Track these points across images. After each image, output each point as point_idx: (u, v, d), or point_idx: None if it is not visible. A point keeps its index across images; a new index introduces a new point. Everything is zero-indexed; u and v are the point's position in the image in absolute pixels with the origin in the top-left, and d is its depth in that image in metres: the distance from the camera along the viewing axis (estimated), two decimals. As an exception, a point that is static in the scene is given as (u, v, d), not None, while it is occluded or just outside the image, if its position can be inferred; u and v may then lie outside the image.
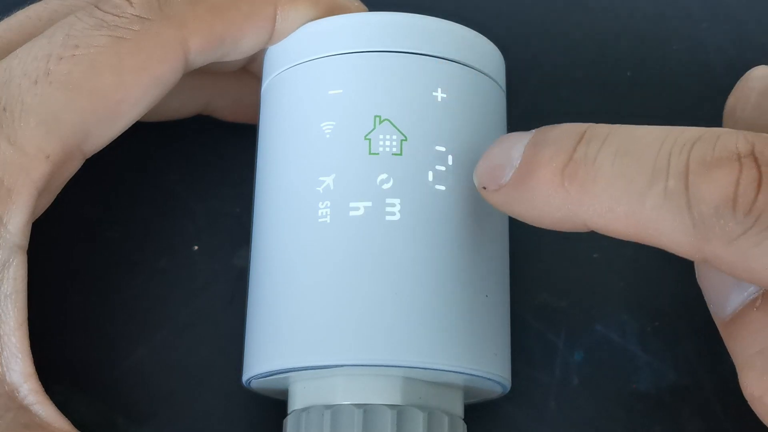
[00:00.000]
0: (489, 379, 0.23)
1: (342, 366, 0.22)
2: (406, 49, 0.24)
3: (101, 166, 0.26)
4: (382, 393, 0.22)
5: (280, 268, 0.23)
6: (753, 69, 0.23)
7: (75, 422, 0.23)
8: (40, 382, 0.22)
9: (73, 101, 0.23)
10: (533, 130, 0.22)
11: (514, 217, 0.22)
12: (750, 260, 0.18)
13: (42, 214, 0.24)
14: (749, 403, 0.21)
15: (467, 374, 0.22)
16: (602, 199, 0.20)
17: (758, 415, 0.21)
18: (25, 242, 0.23)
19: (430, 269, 0.22)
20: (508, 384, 0.24)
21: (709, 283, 0.22)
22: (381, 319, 0.22)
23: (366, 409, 0.22)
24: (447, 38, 0.24)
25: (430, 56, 0.24)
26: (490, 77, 0.25)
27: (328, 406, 0.23)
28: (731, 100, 0.23)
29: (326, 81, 0.24)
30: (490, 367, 0.23)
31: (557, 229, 0.21)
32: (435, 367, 0.22)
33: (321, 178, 0.23)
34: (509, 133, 0.22)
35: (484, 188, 0.22)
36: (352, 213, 0.22)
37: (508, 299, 0.24)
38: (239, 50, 0.25)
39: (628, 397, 0.27)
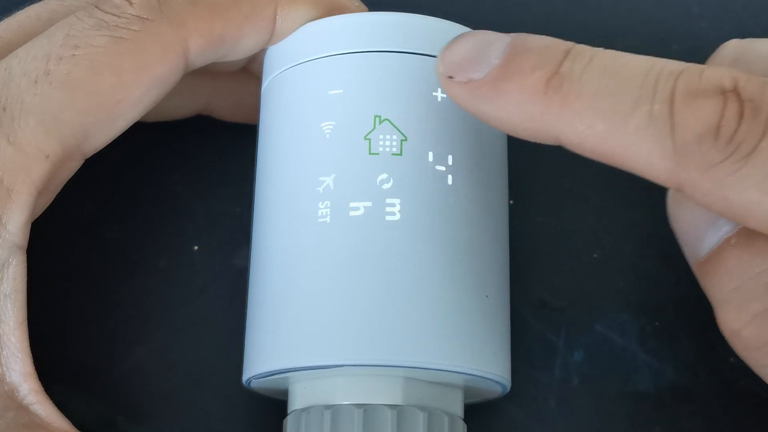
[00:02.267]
0: (489, 379, 0.23)
1: (342, 366, 0.22)
2: (406, 49, 0.24)
3: (101, 166, 0.26)
4: (383, 393, 0.22)
5: (280, 268, 0.23)
6: (726, 42, 0.24)
7: (75, 422, 0.23)
8: (39, 382, 0.22)
9: (72, 101, 0.23)
10: (511, 34, 0.22)
11: (474, 114, 0.22)
12: (725, 188, 0.19)
13: (42, 214, 0.24)
14: (727, 339, 0.21)
15: (467, 374, 0.22)
16: (583, 115, 0.20)
17: (735, 349, 0.21)
18: (25, 242, 0.23)
19: (430, 269, 0.22)
20: (508, 384, 0.24)
21: (684, 224, 0.22)
22: (381, 319, 0.22)
23: (366, 409, 0.22)
24: (447, 38, 0.24)
25: (431, 56, 0.24)
26: (490, 77, 0.25)
27: (328, 406, 0.23)
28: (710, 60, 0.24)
29: (326, 81, 0.24)
30: (490, 367, 0.23)
31: (520, 137, 0.21)
32: (435, 367, 0.22)
33: (321, 178, 0.23)
34: (483, 30, 0.22)
35: (450, 77, 0.22)
36: (352, 213, 0.22)
37: (508, 299, 0.24)
38: (239, 50, 0.25)
39: (628, 397, 0.27)
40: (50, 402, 0.22)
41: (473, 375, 0.22)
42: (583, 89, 0.20)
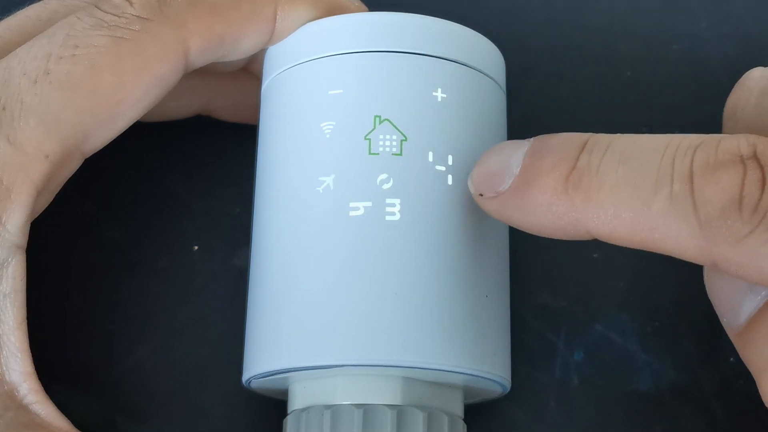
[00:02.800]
0: (489, 379, 0.23)
1: (342, 366, 0.22)
2: (406, 49, 0.24)
3: (101, 166, 0.26)
4: (382, 393, 0.22)
5: (280, 268, 0.23)
6: (751, 70, 0.23)
7: (75, 422, 0.23)
8: (39, 382, 0.22)
9: (72, 101, 0.23)
10: (531, 139, 0.22)
11: (509, 224, 0.22)
12: (758, 259, 0.18)
13: (41, 214, 0.24)
14: None
15: (467, 374, 0.22)
16: (607, 206, 0.20)
17: None
18: (24, 241, 0.23)
19: (430, 269, 0.22)
20: (508, 384, 0.24)
21: (720, 294, 0.22)
22: (381, 319, 0.22)
23: (366, 409, 0.22)
24: (447, 38, 0.24)
25: (431, 56, 0.24)
26: (490, 77, 0.25)
27: (328, 406, 0.23)
28: (731, 101, 0.23)
29: (326, 81, 0.24)
30: (490, 367, 0.23)
31: (556, 237, 0.21)
32: (435, 367, 0.22)
33: (321, 178, 0.23)
34: (505, 141, 0.22)
35: (481, 195, 0.22)
36: (352, 213, 0.22)
37: (508, 299, 0.24)
38: (239, 50, 0.25)
39: (628, 397, 0.27)
40: (50, 402, 0.22)
41: (473, 375, 0.22)
42: (603, 180, 0.20)
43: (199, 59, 0.24)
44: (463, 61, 0.24)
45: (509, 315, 0.24)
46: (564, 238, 0.21)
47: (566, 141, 0.21)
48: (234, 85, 0.29)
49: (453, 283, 0.22)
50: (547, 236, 0.21)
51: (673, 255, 0.20)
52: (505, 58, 0.26)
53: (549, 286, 0.28)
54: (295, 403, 0.24)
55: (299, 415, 0.23)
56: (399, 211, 0.22)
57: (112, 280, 0.28)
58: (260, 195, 0.25)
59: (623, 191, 0.20)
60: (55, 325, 0.27)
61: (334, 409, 0.22)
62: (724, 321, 0.22)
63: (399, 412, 0.22)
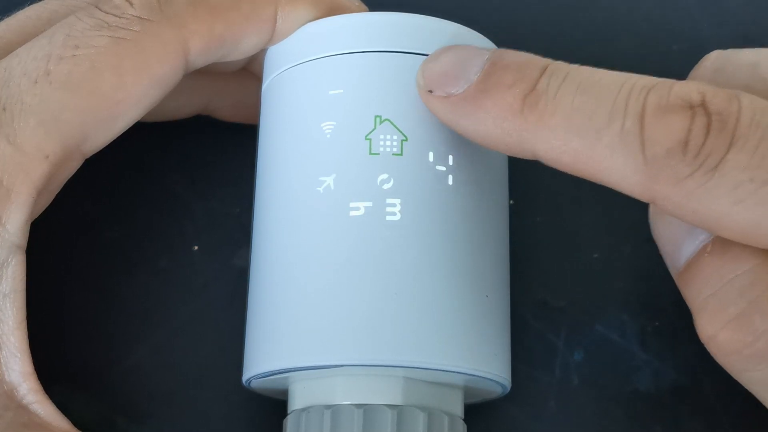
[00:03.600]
0: (489, 379, 0.23)
1: (342, 366, 0.22)
2: (406, 49, 0.24)
3: (101, 166, 0.26)
4: (382, 393, 0.22)
5: (280, 268, 0.23)
6: (709, 53, 0.24)
7: (75, 422, 0.23)
8: (39, 382, 0.22)
9: (72, 101, 0.23)
10: (491, 49, 0.23)
11: (453, 128, 0.23)
12: (695, 201, 0.20)
13: (42, 214, 0.24)
14: (706, 346, 0.21)
15: (467, 374, 0.22)
16: (558, 132, 0.21)
17: (713, 354, 0.21)
18: (24, 242, 0.23)
19: (431, 269, 0.22)
20: (508, 384, 0.24)
21: (663, 236, 0.23)
22: (381, 319, 0.22)
23: (366, 409, 0.22)
24: (447, 38, 0.24)
25: (431, 56, 0.24)
26: (490, 77, 0.25)
27: (328, 406, 0.23)
28: (689, 78, 0.24)
29: (327, 81, 0.24)
30: (490, 367, 0.23)
31: (499, 150, 0.22)
32: (435, 367, 0.22)
33: (321, 178, 0.23)
34: (460, 45, 0.23)
35: (430, 91, 0.22)
36: (352, 213, 0.22)
37: (508, 299, 0.24)
38: (240, 51, 0.25)
39: (628, 397, 0.27)
40: (50, 401, 0.22)
41: (473, 375, 0.22)
42: (558, 107, 0.21)
43: (199, 60, 0.24)
44: (463, 61, 0.24)
45: (509, 315, 0.24)
46: (507, 153, 0.22)
47: (528, 61, 0.22)
48: (234, 85, 0.29)
49: (453, 283, 0.22)
50: (489, 148, 0.22)
51: (612, 186, 0.21)
52: (505, 58, 0.26)
53: (549, 286, 0.28)
54: (295, 403, 0.24)
55: (299, 415, 0.23)
56: (399, 211, 0.22)
57: (112, 280, 0.28)
58: (260, 195, 0.25)
59: (576, 120, 0.20)
60: (55, 325, 0.27)
61: (334, 409, 0.22)
62: (668, 263, 0.23)
63: (399, 412, 0.22)
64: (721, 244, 0.21)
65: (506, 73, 0.22)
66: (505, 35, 0.27)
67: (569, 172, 0.21)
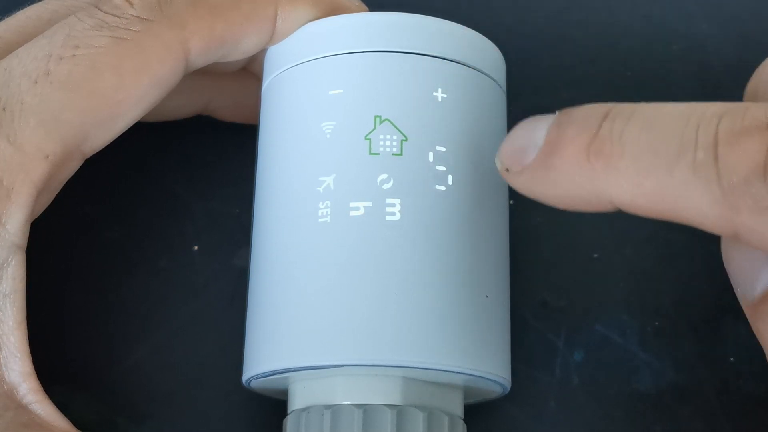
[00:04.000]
0: (489, 379, 0.23)
1: (342, 366, 0.22)
2: (406, 49, 0.24)
3: (101, 166, 0.26)
4: (382, 393, 0.22)
5: (280, 268, 0.23)
6: (765, 61, 0.23)
7: (75, 422, 0.23)
8: (39, 382, 0.22)
9: (73, 101, 0.23)
10: (556, 112, 0.22)
11: (537, 199, 0.22)
12: None
13: (42, 214, 0.24)
14: None
15: (467, 374, 0.22)
16: (629, 174, 0.19)
17: None
18: (24, 242, 0.23)
19: (430, 269, 0.22)
20: (508, 384, 0.24)
21: (737, 264, 0.22)
22: (381, 319, 0.22)
23: (366, 409, 0.22)
24: (447, 38, 0.24)
25: (431, 56, 0.24)
26: (490, 77, 0.25)
27: (328, 406, 0.23)
28: (751, 85, 0.23)
29: (327, 81, 0.24)
30: (490, 367, 0.23)
31: (582, 209, 0.21)
32: (435, 367, 0.22)
33: (321, 178, 0.23)
34: (532, 116, 0.22)
35: (507, 170, 0.22)
36: (352, 213, 0.22)
37: (508, 299, 0.24)
38: (240, 51, 0.25)
39: (628, 397, 0.27)
40: (50, 401, 0.22)
41: (473, 375, 0.22)
42: (625, 148, 0.20)
43: (199, 60, 0.24)
44: (463, 61, 0.24)
45: (509, 315, 0.24)
46: (589, 209, 0.21)
47: (589, 111, 0.21)
48: (234, 85, 0.29)
49: (453, 283, 0.22)
50: (573, 209, 0.21)
51: (694, 225, 0.19)
52: (505, 58, 0.26)
53: (549, 286, 0.28)
54: (295, 403, 0.24)
55: (299, 415, 0.23)
56: (399, 211, 0.22)
57: (112, 280, 0.28)
58: (260, 195, 0.25)
59: (645, 159, 0.19)
60: (55, 325, 0.27)
61: (334, 409, 0.22)
62: (739, 291, 0.22)
63: (399, 412, 0.22)
64: None
65: (569, 128, 0.21)
66: (505, 35, 0.27)
67: (652, 216, 0.20)
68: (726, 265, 0.22)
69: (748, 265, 0.21)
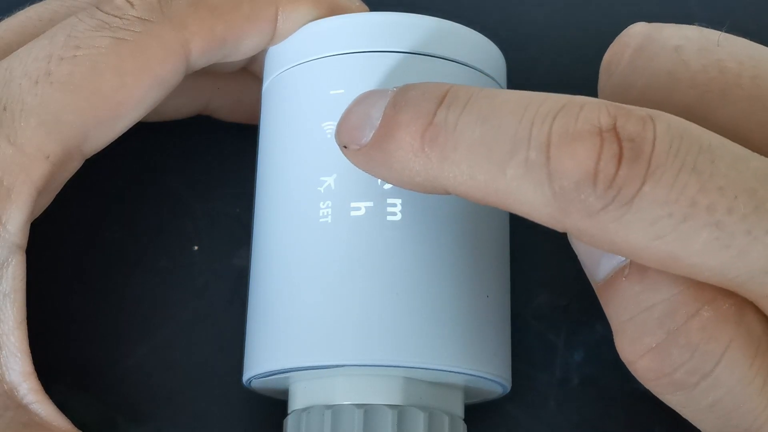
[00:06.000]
0: (489, 379, 0.23)
1: (342, 366, 0.22)
2: (407, 49, 0.24)
3: (101, 166, 0.26)
4: (383, 393, 0.22)
5: (281, 268, 0.23)
6: (632, 25, 0.23)
7: (75, 422, 0.23)
8: (39, 381, 0.22)
9: (73, 102, 0.23)
10: (393, 89, 0.21)
11: (378, 178, 0.22)
12: (611, 234, 0.18)
13: (42, 214, 0.24)
14: (626, 365, 0.20)
15: (467, 374, 0.22)
16: (462, 166, 0.19)
17: (635, 376, 0.20)
18: (24, 242, 0.23)
19: (431, 269, 0.22)
20: (508, 384, 0.24)
21: (580, 248, 0.22)
22: (381, 319, 0.22)
23: (366, 409, 0.22)
24: (448, 38, 0.24)
25: (431, 56, 0.24)
26: (490, 77, 0.25)
27: (328, 406, 0.23)
28: (607, 57, 0.23)
29: (327, 81, 0.24)
30: (490, 367, 0.23)
31: (418, 191, 0.21)
32: (435, 367, 0.22)
33: (322, 178, 0.23)
34: (369, 91, 0.22)
35: (345, 147, 0.21)
36: (353, 213, 0.22)
37: (509, 299, 0.24)
38: (240, 51, 0.25)
39: (628, 397, 0.27)
40: (50, 401, 0.22)
41: (473, 375, 0.22)
42: (459, 140, 0.19)
43: (200, 60, 0.24)
44: (463, 61, 0.24)
45: (509, 315, 0.24)
46: (425, 192, 0.21)
47: (425, 93, 0.20)
48: (235, 85, 0.29)
49: (453, 283, 0.22)
50: (411, 190, 0.21)
51: (528, 218, 0.19)
52: (505, 58, 0.26)
53: (549, 286, 0.28)
54: (296, 403, 0.24)
55: (299, 415, 0.23)
56: (400, 212, 0.22)
57: (112, 280, 0.28)
58: (261, 195, 0.25)
59: (479, 153, 0.19)
60: (55, 325, 0.27)
61: (334, 409, 0.22)
62: (586, 272, 0.22)
63: (399, 412, 0.22)
64: (639, 269, 0.20)
65: (404, 111, 0.20)
66: (505, 35, 0.27)
67: (486, 205, 0.20)
68: (573, 247, 0.22)
69: (590, 251, 0.21)
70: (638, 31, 0.22)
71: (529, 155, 0.19)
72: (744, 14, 0.33)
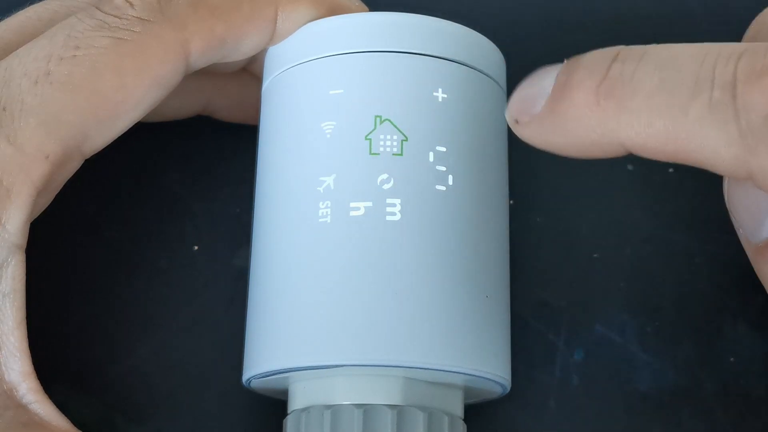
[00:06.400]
0: (489, 379, 0.23)
1: (342, 366, 0.22)
2: (406, 49, 0.24)
3: (101, 166, 0.26)
4: (382, 393, 0.22)
5: (280, 268, 0.23)
6: (763, 12, 0.23)
7: (75, 422, 0.23)
8: (38, 381, 0.22)
9: (73, 102, 0.23)
10: (565, 60, 0.21)
11: (548, 149, 0.21)
12: None
13: (42, 214, 0.24)
14: None
15: (467, 374, 0.22)
16: (641, 113, 0.19)
17: None
18: (24, 242, 0.23)
19: (431, 269, 0.22)
20: (508, 384, 0.24)
21: (742, 206, 0.21)
22: (381, 319, 0.22)
23: (366, 409, 0.22)
24: (447, 38, 0.24)
25: (431, 56, 0.24)
26: (490, 77, 0.25)
27: (328, 406, 0.23)
28: (750, 33, 0.23)
29: (327, 81, 0.24)
30: (490, 367, 0.23)
31: (592, 156, 0.21)
32: (435, 367, 0.22)
33: (322, 178, 0.23)
34: (542, 67, 0.22)
35: (517, 122, 0.21)
36: (352, 213, 0.22)
37: (509, 299, 0.24)
38: (240, 51, 0.25)
39: (628, 397, 0.27)
40: (49, 401, 0.22)
41: (473, 375, 0.22)
42: (637, 88, 0.19)
43: (200, 60, 0.24)
44: (463, 61, 0.24)
45: (509, 315, 0.24)
46: (599, 155, 0.20)
47: (599, 55, 0.20)
48: (234, 85, 0.29)
49: (453, 283, 0.22)
50: (583, 155, 0.21)
51: (706, 167, 0.19)
52: (505, 58, 0.26)
53: (549, 286, 0.28)
54: (295, 403, 0.24)
55: (299, 415, 0.23)
56: (399, 212, 0.22)
57: (112, 280, 0.28)
58: (260, 195, 0.25)
59: (658, 98, 0.19)
60: (55, 325, 0.27)
61: (334, 409, 0.22)
62: (741, 233, 0.21)
63: (399, 412, 0.22)
64: None
65: (577, 72, 0.20)
66: (505, 35, 0.27)
67: (663, 158, 0.19)
68: (729, 207, 0.22)
69: (755, 208, 0.21)
70: None
71: (714, 95, 0.18)
72: (744, 14, 0.33)
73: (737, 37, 0.24)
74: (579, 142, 0.20)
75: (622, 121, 0.19)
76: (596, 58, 0.20)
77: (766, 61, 0.18)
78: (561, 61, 0.32)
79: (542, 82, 0.21)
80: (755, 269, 0.21)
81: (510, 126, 0.22)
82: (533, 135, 0.21)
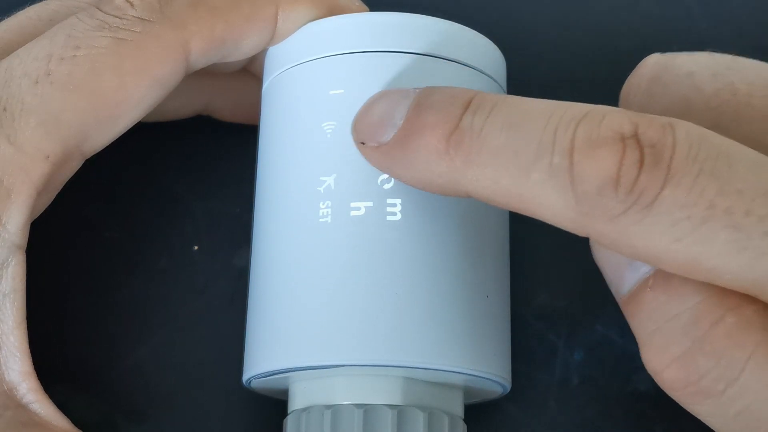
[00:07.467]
0: (489, 379, 0.23)
1: (342, 366, 0.22)
2: (406, 49, 0.24)
3: (101, 166, 0.26)
4: (383, 393, 0.22)
5: (281, 267, 0.23)
6: (648, 56, 0.23)
7: (75, 422, 0.23)
8: (38, 381, 0.22)
9: (73, 102, 0.23)
10: (416, 89, 0.22)
11: (393, 177, 0.22)
12: (631, 238, 0.19)
13: (42, 214, 0.24)
14: (653, 377, 0.21)
15: (467, 374, 0.22)
16: (487, 170, 0.20)
17: (662, 387, 0.21)
18: (24, 242, 0.23)
19: (431, 269, 0.22)
20: (508, 384, 0.24)
21: (604, 262, 0.22)
22: (381, 319, 0.22)
23: (366, 409, 0.22)
24: (447, 38, 0.24)
25: (431, 56, 0.24)
26: (490, 77, 0.25)
27: (328, 406, 0.23)
28: (625, 87, 0.23)
29: (327, 81, 0.24)
30: (490, 367, 0.23)
31: (436, 193, 0.22)
32: (435, 367, 0.22)
33: (322, 178, 0.23)
34: (390, 89, 0.22)
35: (363, 143, 0.22)
36: (353, 213, 0.22)
37: (509, 299, 0.24)
38: (240, 51, 0.25)
39: (628, 397, 0.27)
40: (49, 401, 0.22)
41: (473, 375, 0.22)
42: (484, 144, 0.20)
43: (200, 61, 0.24)
44: (463, 61, 0.24)
45: (509, 315, 0.24)
46: (443, 194, 0.21)
47: (451, 98, 0.21)
48: (234, 85, 0.29)
49: (453, 283, 0.22)
50: (427, 191, 0.22)
51: (550, 223, 0.20)
52: (505, 58, 0.26)
53: (549, 286, 0.28)
54: (296, 403, 0.24)
55: (299, 415, 0.23)
56: (400, 212, 0.22)
57: (112, 280, 0.28)
58: (261, 195, 0.25)
59: (504, 157, 0.20)
60: (55, 325, 0.27)
61: (334, 409, 0.22)
62: (611, 287, 0.22)
63: (399, 412, 0.22)
64: (664, 278, 0.20)
65: (429, 113, 0.21)
66: (504, 35, 0.27)
67: (509, 210, 0.20)
68: (596, 261, 0.22)
69: (615, 264, 0.22)
70: (653, 61, 0.23)
71: (553, 160, 0.19)
72: (744, 14, 0.33)
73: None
74: (425, 181, 0.21)
75: (468, 174, 0.20)
76: (450, 101, 0.21)
77: (601, 132, 0.19)
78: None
79: (392, 109, 0.22)
80: (627, 320, 0.21)
81: (354, 143, 0.22)
82: (379, 161, 0.22)
